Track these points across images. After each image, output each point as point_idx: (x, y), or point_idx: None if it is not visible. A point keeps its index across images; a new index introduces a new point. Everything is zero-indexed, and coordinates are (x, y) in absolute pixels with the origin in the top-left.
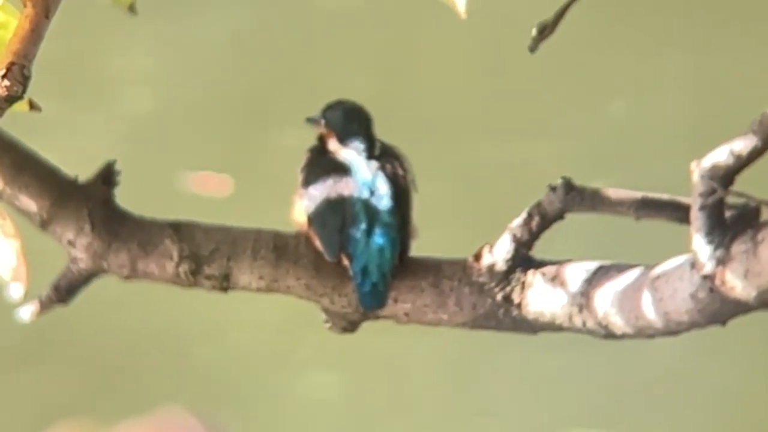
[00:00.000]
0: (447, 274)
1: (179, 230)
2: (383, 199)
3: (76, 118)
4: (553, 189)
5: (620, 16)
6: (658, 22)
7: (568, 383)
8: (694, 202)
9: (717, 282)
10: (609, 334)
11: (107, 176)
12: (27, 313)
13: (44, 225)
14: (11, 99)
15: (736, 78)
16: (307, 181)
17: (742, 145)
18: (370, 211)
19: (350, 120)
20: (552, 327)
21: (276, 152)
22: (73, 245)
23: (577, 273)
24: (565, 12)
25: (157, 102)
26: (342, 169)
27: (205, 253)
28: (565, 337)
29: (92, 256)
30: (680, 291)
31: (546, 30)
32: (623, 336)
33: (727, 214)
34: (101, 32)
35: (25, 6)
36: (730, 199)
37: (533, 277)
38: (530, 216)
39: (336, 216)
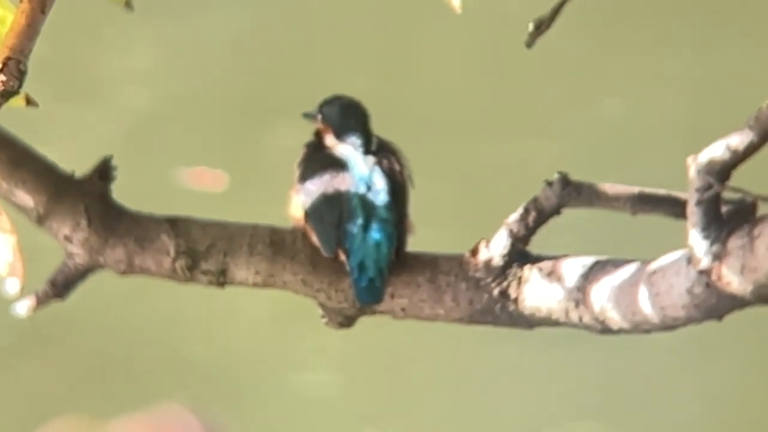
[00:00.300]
0: (444, 269)
1: (176, 226)
2: (380, 195)
3: (72, 115)
4: (549, 184)
5: (618, 15)
6: (655, 21)
7: (564, 379)
8: (691, 197)
9: (713, 277)
10: (605, 330)
11: (104, 172)
12: (23, 308)
13: (41, 220)
14: (7, 94)
15: (734, 76)
16: (304, 177)
17: (739, 140)
18: (366, 206)
19: (347, 115)
20: (548, 322)
21: (271, 148)
22: (69, 240)
23: (573, 268)
24: (562, 7)
25: (153, 98)
26: (339, 165)
27: (202, 248)
28: (562, 333)
29: (89, 252)
30: (677, 286)
31: (543, 25)
32: (620, 331)
33: (724, 209)
34: (98, 29)
35: (21, 1)
36: (727, 195)
37: (530, 272)
38: (527, 211)
39: (333, 211)
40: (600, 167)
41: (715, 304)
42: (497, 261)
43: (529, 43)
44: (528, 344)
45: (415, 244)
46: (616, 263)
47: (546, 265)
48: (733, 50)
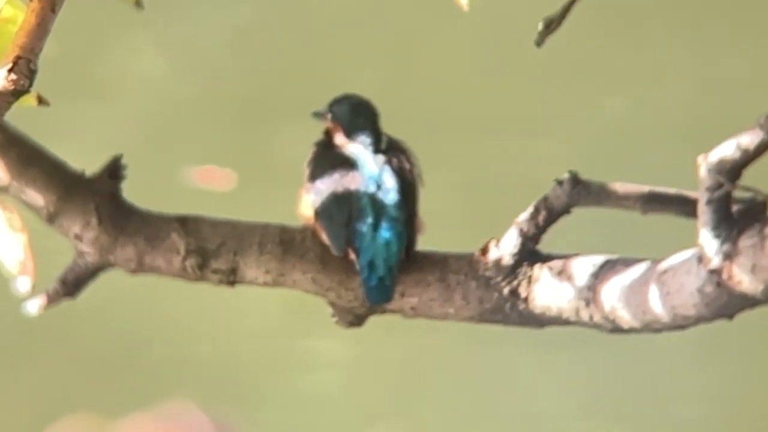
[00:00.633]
0: (453, 268)
1: (186, 224)
2: (390, 193)
3: (82, 114)
4: (559, 183)
5: (623, 14)
6: (659, 20)
7: (570, 380)
8: (701, 196)
9: (724, 276)
10: (616, 329)
11: (114, 170)
12: (34, 306)
13: (51, 219)
14: (18, 93)
15: (737, 75)
16: (314, 176)
17: (749, 139)
18: (376, 205)
19: (357, 114)
20: (559, 321)
21: (279, 147)
22: (80, 239)
23: (583, 267)
24: (572, 6)
25: (163, 97)
26: (348, 163)
27: (212, 247)
28: (566, 334)
29: (99, 250)
30: (687, 285)
31: (552, 24)
32: (630, 330)
33: (735, 208)
34: (106, 29)
35: (31, 0)
36: (738, 194)
37: (540, 271)
38: (537, 210)
39: (342, 210)
40: (604, 165)
41: (726, 303)
42: (507, 260)
43: (539, 42)
44: (532, 345)
45: (424, 242)
46: (627, 262)
47: (556, 264)
48: (737, 49)
